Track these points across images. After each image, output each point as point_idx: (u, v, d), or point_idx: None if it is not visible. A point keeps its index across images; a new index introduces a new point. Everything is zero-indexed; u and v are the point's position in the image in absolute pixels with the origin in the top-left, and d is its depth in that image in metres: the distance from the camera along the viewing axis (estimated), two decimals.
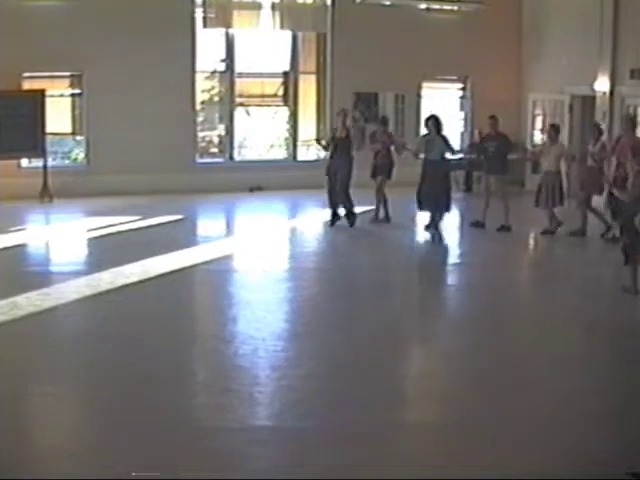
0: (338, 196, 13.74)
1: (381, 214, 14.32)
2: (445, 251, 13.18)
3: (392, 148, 14.30)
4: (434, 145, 13.65)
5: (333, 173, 13.80)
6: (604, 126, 14.42)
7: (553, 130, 13.85)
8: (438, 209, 13.44)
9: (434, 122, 13.83)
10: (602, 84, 15.95)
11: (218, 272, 11.56)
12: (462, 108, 18.99)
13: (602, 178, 13.09)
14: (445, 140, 13.75)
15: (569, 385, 7.47)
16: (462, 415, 6.73)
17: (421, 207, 13.71)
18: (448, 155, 13.78)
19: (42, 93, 15.92)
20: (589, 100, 16.39)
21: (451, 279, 11.78)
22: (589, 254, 12.89)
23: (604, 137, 13.68)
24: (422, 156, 13.57)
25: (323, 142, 14.73)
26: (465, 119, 18.99)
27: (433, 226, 13.42)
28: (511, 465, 5.87)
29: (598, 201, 13.44)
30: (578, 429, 6.50)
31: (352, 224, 13.83)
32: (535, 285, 11.67)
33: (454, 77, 18.83)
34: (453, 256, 13.13)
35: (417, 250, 13.44)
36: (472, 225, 14.02)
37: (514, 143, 14.84)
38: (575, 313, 9.94)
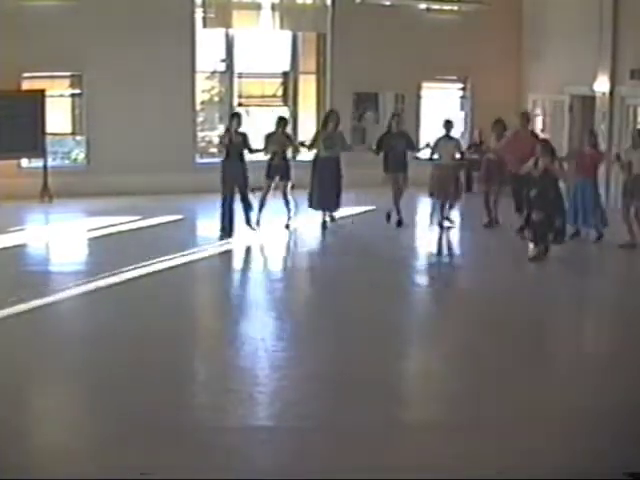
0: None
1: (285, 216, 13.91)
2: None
3: (289, 150, 13.94)
4: (335, 142, 13.73)
5: (233, 179, 13.14)
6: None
7: (449, 126, 14.16)
8: (336, 205, 13.85)
9: (334, 117, 13.86)
10: (602, 84, 15.95)
11: (218, 272, 11.56)
12: (462, 108, 18.99)
13: (504, 171, 13.78)
14: (343, 137, 13.94)
15: (568, 384, 7.48)
16: (462, 415, 6.73)
17: (312, 206, 13.91)
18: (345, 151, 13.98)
19: (42, 93, 15.93)
20: (589, 100, 16.40)
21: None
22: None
23: (508, 132, 14.16)
24: (324, 153, 13.67)
25: (224, 141, 13.49)
26: (465, 119, 18.98)
27: (329, 216, 13.98)
28: (511, 465, 5.87)
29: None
30: (577, 429, 6.51)
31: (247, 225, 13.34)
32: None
33: (454, 77, 18.82)
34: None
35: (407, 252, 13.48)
36: (385, 219, 14.22)
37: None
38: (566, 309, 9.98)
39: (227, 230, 13.17)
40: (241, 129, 13.34)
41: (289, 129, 14.82)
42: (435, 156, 14.11)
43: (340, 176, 13.75)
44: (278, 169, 13.66)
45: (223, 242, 12.91)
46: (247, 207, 13.35)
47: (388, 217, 14.17)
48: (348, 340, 8.56)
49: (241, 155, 13.24)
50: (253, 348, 8.22)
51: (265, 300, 10.25)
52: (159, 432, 6.29)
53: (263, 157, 13.86)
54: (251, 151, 13.66)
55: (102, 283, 10.33)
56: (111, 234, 13.37)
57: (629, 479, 5.53)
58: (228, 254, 12.48)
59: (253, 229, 13.42)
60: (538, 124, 18.03)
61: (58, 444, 6.26)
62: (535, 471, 5.75)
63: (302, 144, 13.97)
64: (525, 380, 7.54)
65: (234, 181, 13.16)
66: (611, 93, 15.86)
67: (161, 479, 5.59)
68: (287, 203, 13.81)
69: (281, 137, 13.77)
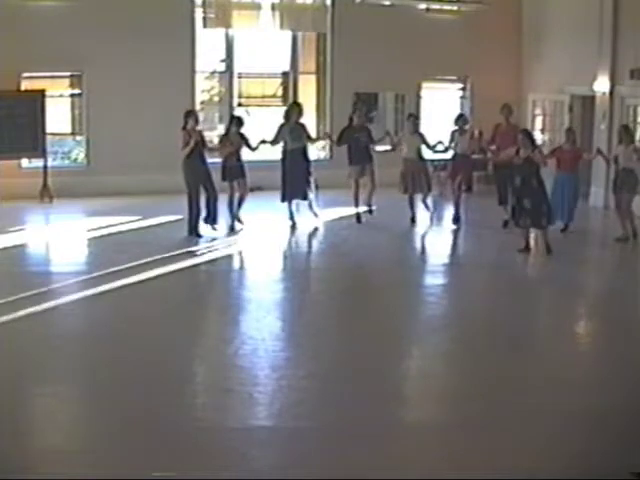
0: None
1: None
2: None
3: (242, 149, 13.73)
4: (299, 134, 13.75)
5: (199, 178, 13.07)
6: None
7: (414, 119, 14.46)
8: (303, 196, 13.90)
9: (296, 110, 13.91)
10: (602, 84, 15.95)
11: (218, 272, 11.57)
12: (462, 108, 18.97)
13: (470, 165, 14.28)
14: (306, 129, 14.01)
15: (569, 384, 7.48)
16: (462, 415, 6.73)
17: (285, 199, 13.91)
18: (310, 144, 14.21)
19: (42, 93, 15.92)
20: (589, 100, 16.40)
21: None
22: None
23: (468, 126, 14.43)
24: (291, 146, 13.68)
25: (189, 140, 13.17)
26: None
27: (290, 217, 13.96)
28: (513, 465, 5.87)
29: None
30: (580, 429, 6.51)
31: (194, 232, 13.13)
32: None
33: (454, 77, 18.83)
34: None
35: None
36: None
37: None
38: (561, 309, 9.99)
39: (196, 230, 13.09)
40: (198, 127, 13.30)
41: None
42: (403, 152, 14.18)
43: (309, 166, 13.87)
44: (233, 170, 13.56)
45: (196, 241, 12.88)
46: (215, 205, 13.25)
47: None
48: (348, 340, 8.57)
49: (202, 154, 13.11)
50: (253, 348, 8.21)
51: (264, 300, 10.23)
52: (159, 432, 6.29)
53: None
54: (209, 150, 13.63)
55: (102, 283, 10.32)
56: (111, 234, 13.37)
57: (635, 479, 5.52)
58: (227, 254, 12.47)
59: (214, 229, 13.32)
60: (538, 124, 18.06)
61: (58, 444, 6.26)
62: (536, 471, 5.75)
63: (264, 142, 13.91)
64: (525, 380, 7.54)
65: (201, 180, 13.05)
66: (611, 93, 15.86)
67: (162, 479, 5.59)
68: (240, 202, 13.71)
69: (235, 137, 13.63)
